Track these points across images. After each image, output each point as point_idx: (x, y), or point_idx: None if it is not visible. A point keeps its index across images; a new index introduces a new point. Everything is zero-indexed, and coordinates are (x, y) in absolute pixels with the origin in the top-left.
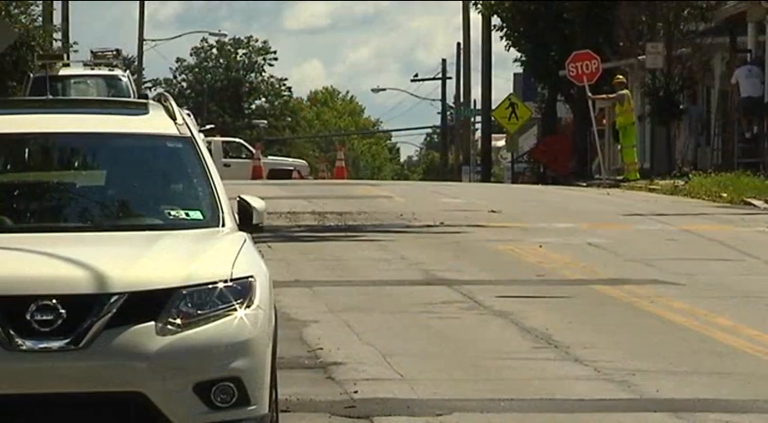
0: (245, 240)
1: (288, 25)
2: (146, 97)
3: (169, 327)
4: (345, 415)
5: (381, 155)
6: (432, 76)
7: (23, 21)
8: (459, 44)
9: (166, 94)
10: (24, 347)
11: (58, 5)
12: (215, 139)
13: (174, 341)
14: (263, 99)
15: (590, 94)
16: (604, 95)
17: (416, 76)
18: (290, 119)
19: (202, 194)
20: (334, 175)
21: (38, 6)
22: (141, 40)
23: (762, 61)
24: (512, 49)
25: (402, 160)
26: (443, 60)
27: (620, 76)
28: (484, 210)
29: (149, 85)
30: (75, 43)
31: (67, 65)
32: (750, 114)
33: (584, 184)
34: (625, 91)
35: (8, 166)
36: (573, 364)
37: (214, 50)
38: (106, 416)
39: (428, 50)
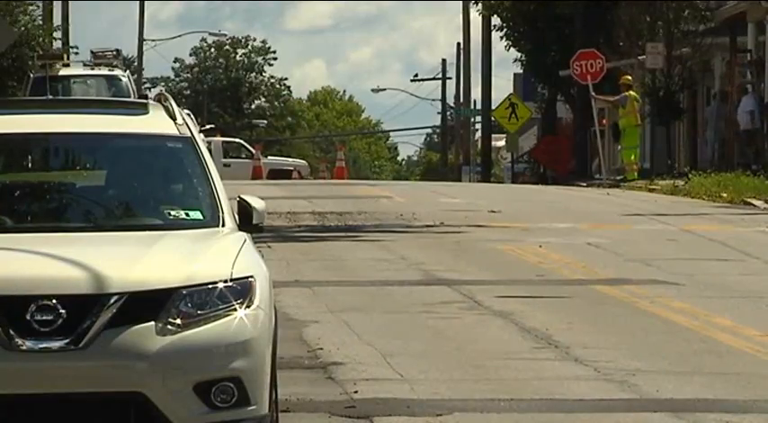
0: (245, 240)
1: (290, 25)
2: (146, 97)
3: (169, 327)
4: (345, 415)
5: (381, 155)
6: (432, 76)
7: (23, 21)
8: (459, 44)
9: (166, 93)
10: (24, 347)
11: (57, 5)
12: (215, 139)
13: (174, 341)
14: (263, 99)
15: (593, 94)
16: (607, 97)
17: (416, 76)
18: (290, 119)
19: (202, 194)
20: (334, 175)
21: (38, 8)
22: (141, 40)
23: (762, 61)
24: (512, 49)
25: (401, 159)
26: (443, 60)
27: (627, 77)
28: (484, 210)
29: (149, 85)
30: (76, 47)
31: (67, 65)
32: (753, 144)
33: (585, 184)
34: (630, 93)
35: (8, 166)
36: (573, 364)
37: (213, 50)
38: (106, 416)
39: (429, 50)
